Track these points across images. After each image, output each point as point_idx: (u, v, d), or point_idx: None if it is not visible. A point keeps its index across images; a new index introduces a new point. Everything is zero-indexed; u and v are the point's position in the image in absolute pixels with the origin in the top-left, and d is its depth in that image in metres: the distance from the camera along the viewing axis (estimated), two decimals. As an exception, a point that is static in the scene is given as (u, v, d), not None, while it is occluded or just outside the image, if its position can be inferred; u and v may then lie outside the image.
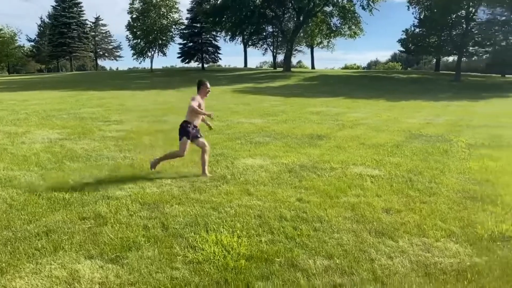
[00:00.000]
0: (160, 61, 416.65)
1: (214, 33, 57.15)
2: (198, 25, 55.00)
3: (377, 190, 5.45)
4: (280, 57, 66.51)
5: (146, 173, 6.14)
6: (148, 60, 54.27)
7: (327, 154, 7.80)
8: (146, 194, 5.09)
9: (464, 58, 49.05)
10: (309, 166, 6.78)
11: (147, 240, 3.75)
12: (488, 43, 44.13)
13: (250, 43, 62.95)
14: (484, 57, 53.93)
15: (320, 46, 57.80)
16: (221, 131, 10.34)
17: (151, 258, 3.41)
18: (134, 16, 50.14)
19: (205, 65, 59.45)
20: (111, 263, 3.32)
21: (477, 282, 3.08)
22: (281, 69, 53.27)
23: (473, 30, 44.15)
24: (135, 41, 51.72)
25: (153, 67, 54.50)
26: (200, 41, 57.06)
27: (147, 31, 49.27)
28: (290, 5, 50.36)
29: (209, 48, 58.63)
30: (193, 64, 60.73)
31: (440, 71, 55.28)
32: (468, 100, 24.40)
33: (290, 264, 3.33)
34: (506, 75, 50.43)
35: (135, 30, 50.15)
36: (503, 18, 44.39)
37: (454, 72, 45.47)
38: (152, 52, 52.91)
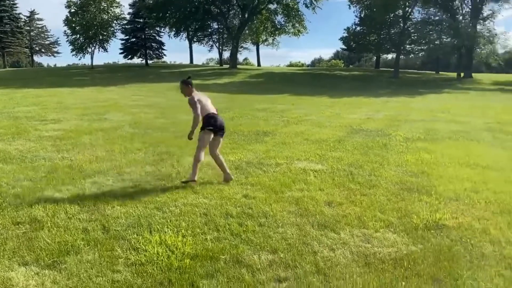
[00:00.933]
0: (101, 57, 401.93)
1: (158, 28, 55.97)
2: (141, 20, 53.67)
3: (320, 184, 5.59)
4: (226, 54, 66.51)
5: (86, 173, 5.91)
6: (88, 56, 52.27)
7: (272, 150, 7.89)
8: (85, 196, 4.90)
9: (402, 56, 51.51)
10: (255, 162, 6.83)
11: (86, 244, 3.61)
12: (423, 42, 46.56)
13: (195, 40, 62.20)
14: (420, 54, 56.83)
15: (265, 43, 58.41)
16: (167, 128, 10.16)
17: (91, 262, 3.29)
18: (73, 10, 48.07)
19: (149, 61, 58.11)
20: (48, 269, 3.17)
21: (413, 269, 3.24)
22: (227, 66, 53.20)
23: (409, 29, 46.42)
24: (73, 37, 49.62)
25: (94, 64, 52.44)
26: (143, 36, 55.71)
27: (87, 26, 47.37)
28: (235, 2, 50.34)
29: (153, 44, 57.39)
30: (137, 60, 59.22)
31: (380, 68, 57.62)
32: (406, 96, 25.62)
33: (235, 261, 3.34)
34: (440, 72, 53.42)
35: (73, 25, 48.05)
36: (437, 18, 47.01)
37: (393, 69, 47.57)
38: (93, 48, 51.03)
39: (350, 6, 49.96)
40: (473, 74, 47.87)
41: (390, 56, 61.59)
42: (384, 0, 41.25)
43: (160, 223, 4.11)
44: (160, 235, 3.79)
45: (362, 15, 48.57)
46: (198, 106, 5.64)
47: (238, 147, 8.11)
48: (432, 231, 4.00)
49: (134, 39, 55.85)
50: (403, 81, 40.00)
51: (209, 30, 59.34)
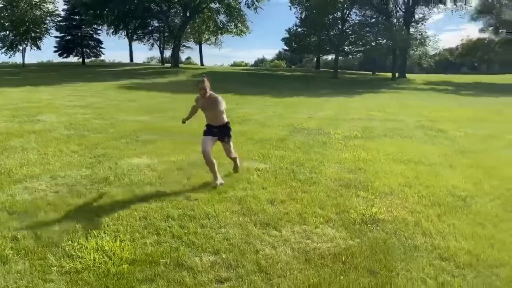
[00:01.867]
0: (34, 56, 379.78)
1: (95, 26, 53.87)
2: (77, 17, 51.39)
3: (263, 182, 5.63)
4: (168, 53, 65.33)
5: (16, 178, 5.55)
6: (19, 54, 49.30)
7: (216, 150, 7.81)
8: (16, 202, 4.59)
9: (341, 57, 53.26)
10: (199, 163, 6.72)
11: (16, 253, 3.38)
12: (360, 43, 48.46)
13: (135, 38, 60.51)
14: (358, 56, 59.14)
15: (208, 42, 58.11)
16: (104, 129, 9.79)
17: (21, 272, 3.09)
18: (1, 5, 45.03)
19: (86, 60, 55.81)
20: (-29, 283, 2.93)
21: (351, 263, 3.34)
22: (169, 64, 52.31)
23: (347, 31, 48.14)
24: (2, 33, 46.52)
25: (26, 62, 49.57)
26: (79, 34, 53.42)
27: (17, 23, 44.61)
28: (176, 0, 49.60)
29: (90, 42, 55.22)
30: (73, 59, 56.69)
31: (321, 69, 59.28)
32: (344, 96, 26.52)
33: (176, 264, 3.28)
34: (377, 73, 55.85)
35: (2, 21, 45.05)
36: (373, 20, 49.14)
37: (332, 70, 49.09)
38: (24, 46, 48.11)
39: (291, 8, 50.95)
40: (407, 75, 50.55)
41: (330, 57, 63.58)
42: (323, 2, 42.45)
43: (97, 228, 3.94)
44: (96, 241, 3.63)
45: (302, 17, 49.68)
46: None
47: (180, 147, 7.98)
48: (368, 225, 4.16)
49: (69, 37, 53.43)
50: (342, 81, 41.36)
51: (150, 28, 57.98)
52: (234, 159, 6.18)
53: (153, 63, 74.12)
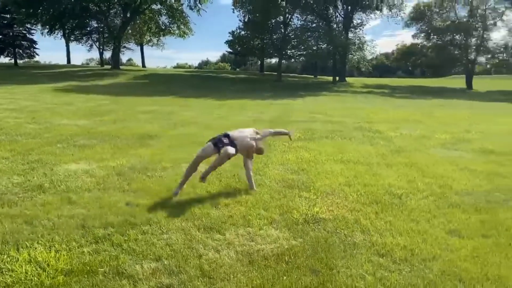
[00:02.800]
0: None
1: (28, 25, 50.99)
2: (8, 16, 48.39)
3: (207, 186, 5.58)
4: (108, 54, 63.14)
5: None
6: None
7: (158, 154, 7.67)
8: None
9: (284, 60, 54.18)
10: (140, 167, 6.57)
11: None
12: (302, 47, 49.49)
13: (72, 38, 57.93)
14: (300, 59, 60.40)
15: (150, 44, 56.87)
16: (39, 134, 9.27)
17: None
18: None
19: (19, 61, 52.69)
20: None
21: (293, 262, 3.39)
22: (109, 66, 50.62)
23: (290, 35, 48.99)
24: None
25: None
26: (11, 33, 50.30)
27: None
28: (116, 0, 48.11)
29: (23, 42, 52.16)
30: (4, 60, 53.31)
31: (265, 72, 59.90)
32: (288, 99, 26.95)
33: (116, 272, 3.16)
34: (318, 76, 57.37)
35: None
36: (314, 25, 50.40)
37: (276, 73, 49.80)
38: None
39: (234, 10, 51.11)
40: (347, 78, 52.35)
41: (273, 60, 64.44)
42: (265, 6, 42.96)
43: (30, 238, 3.71)
44: (29, 252, 3.43)
45: (246, 20, 49.96)
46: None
47: (120, 151, 7.73)
48: (310, 224, 4.25)
49: (0, 36, 50.17)
50: (285, 84, 42.06)
51: (88, 29, 55.75)
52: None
53: (92, 65, 71.35)
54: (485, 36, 51.17)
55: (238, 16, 56.71)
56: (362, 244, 3.80)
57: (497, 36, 72.73)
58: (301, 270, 3.26)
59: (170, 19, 50.26)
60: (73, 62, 61.40)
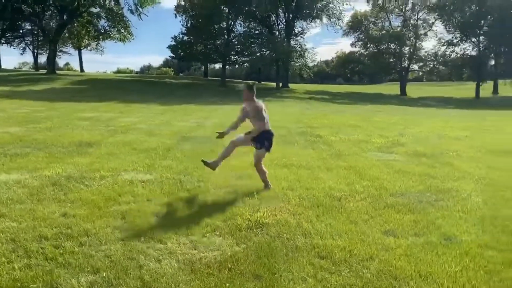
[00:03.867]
0: None
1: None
2: None
3: (148, 194, 5.46)
4: (43, 58, 60.15)
5: None
6: None
7: (97, 162, 7.40)
8: None
9: (228, 66, 54.31)
10: (77, 176, 6.29)
11: None
12: (246, 53, 49.94)
13: (3, 41, 54.51)
14: (244, 65, 60.88)
15: (89, 48, 54.85)
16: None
17: None
18: None
19: None
20: None
21: (236, 269, 3.39)
22: (44, 71, 48.16)
23: (233, 41, 49.26)
24: None
25: None
26: None
27: None
28: (51, 2, 45.94)
29: None
30: None
31: (209, 77, 59.75)
32: (232, 104, 26.96)
33: (50, 288, 3.00)
34: (262, 82, 58.03)
35: None
36: (257, 32, 51.07)
37: (220, 78, 49.81)
38: None
39: (176, 15, 50.58)
40: (290, 84, 53.42)
41: (217, 65, 64.49)
42: (208, 12, 42.91)
43: (-48, 257, 3.44)
44: (-49, 272, 3.17)
45: (188, 25, 49.59)
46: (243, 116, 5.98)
47: (56, 160, 7.36)
48: (254, 230, 4.27)
49: None
50: (230, 89, 42.13)
51: (21, 31, 52.75)
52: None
53: (25, 69, 67.51)
54: (417, 45, 54.37)
55: (180, 21, 56.23)
56: (303, 247, 3.87)
57: (428, 45, 77.73)
58: (244, 276, 3.27)
59: (110, 23, 48.73)
60: (4, 66, 57.74)
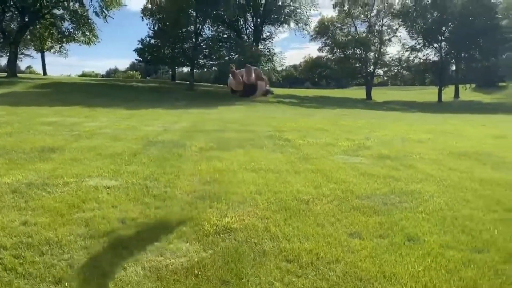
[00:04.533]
0: None
1: None
2: None
3: (113, 201, 5.34)
4: (3, 61, 58.02)
5: None
6: None
7: (60, 168, 7.19)
8: None
9: (196, 70, 54.02)
10: (38, 183, 6.09)
11: None
12: (214, 57, 49.82)
13: (-41, 42, 52.25)
14: (213, 69, 60.70)
15: (52, 51, 53.27)
16: None
17: None
18: None
19: None
20: None
21: (203, 275, 3.37)
22: (4, 74, 46.43)
23: (201, 44, 49.05)
24: None
25: None
26: None
27: None
28: (12, 3, 44.42)
29: None
30: None
31: (177, 81, 59.22)
32: (201, 108, 26.91)
33: (8, 301, 2.89)
34: (231, 86, 58.02)
35: None
36: (225, 36, 51.08)
37: (188, 82, 49.47)
38: None
39: (143, 18, 49.92)
40: (258, 88, 53.53)
41: (186, 69, 63.98)
42: (175, 15, 42.58)
43: None
44: None
45: (155, 28, 49.03)
46: None
47: (16, 167, 7.10)
48: (221, 235, 4.25)
49: None
50: (198, 93, 41.96)
51: (-21, 33, 50.66)
52: None
53: (-16, 72, 64.90)
54: (382, 50, 55.85)
55: (147, 24, 55.55)
56: (271, 251, 3.89)
57: (392, 50, 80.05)
58: (211, 282, 3.25)
59: (74, 25, 47.54)
60: (-40, 68, 55.35)
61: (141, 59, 53.78)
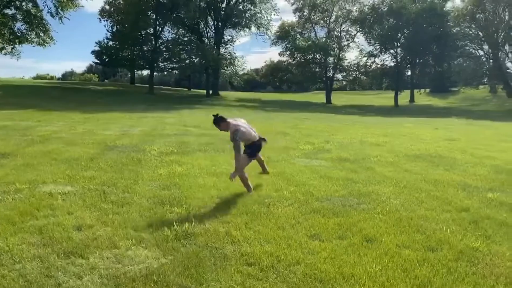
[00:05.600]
0: None
1: None
2: None
3: (68, 207, 5.16)
4: (-51, 62, 54.97)
5: None
6: None
7: (12, 174, 6.88)
8: None
9: (156, 73, 53.30)
10: (-14, 190, 5.80)
11: None
12: (174, 60, 49.36)
13: None
14: (174, 72, 60.07)
15: (3, 52, 50.88)
16: None
17: None
18: None
19: None
20: None
21: (163, 281, 3.31)
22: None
23: (161, 47, 48.47)
24: None
25: None
26: None
27: None
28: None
29: None
30: None
31: (136, 84, 58.18)
32: (161, 112, 26.52)
33: (-48, 316, 2.72)
34: (192, 89, 57.66)
35: None
36: (186, 38, 50.68)
37: (148, 85, 48.68)
38: None
39: (100, 20, 48.76)
40: (220, 92, 53.60)
41: (145, 72, 63.01)
42: (134, 17, 41.86)
43: None
44: None
45: (114, 30, 48.00)
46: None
47: (-37, 174, 6.74)
48: (182, 240, 4.19)
49: None
50: (158, 97, 41.36)
51: None
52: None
53: None
54: (341, 55, 57.12)
55: (105, 26, 54.25)
56: (232, 255, 3.87)
57: (351, 56, 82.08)
58: (171, 288, 3.20)
59: (27, 26, 45.64)
60: None
61: (99, 61, 52.49)
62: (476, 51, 52.33)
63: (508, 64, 49.27)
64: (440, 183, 7.19)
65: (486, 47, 49.89)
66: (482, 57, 51.55)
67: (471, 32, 50.47)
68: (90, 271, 3.43)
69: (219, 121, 6.25)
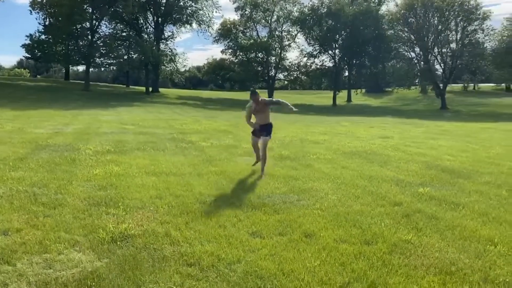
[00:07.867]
0: None
1: None
2: None
3: (-7, 211, 4.80)
4: None
5: None
6: None
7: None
8: None
9: (93, 69, 51.14)
10: None
11: None
12: (112, 56, 47.59)
13: None
14: (111, 68, 57.96)
15: None
16: None
17: None
18: None
19: None
20: None
21: (98, 285, 3.16)
22: None
23: (98, 42, 46.53)
24: None
25: None
26: None
27: None
28: None
29: None
30: None
31: (71, 80, 55.52)
32: (97, 109, 25.47)
33: None
34: (131, 86, 55.96)
35: None
36: (124, 34, 49.06)
37: (84, 82, 46.58)
38: None
39: (31, 12, 45.96)
40: (160, 89, 52.48)
41: (81, 68, 60.26)
42: (68, 10, 39.85)
43: None
44: None
45: (46, 23, 45.41)
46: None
47: None
48: (118, 242, 4.04)
49: None
50: (94, 93, 39.74)
51: None
52: (263, 159, 7.66)
53: None
54: (282, 55, 58.01)
55: (37, 19, 51.26)
56: (171, 256, 3.78)
57: (292, 55, 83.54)
58: (106, 293, 3.06)
59: None
60: None
61: (30, 55, 49.40)
62: (408, 53, 55.22)
63: (437, 66, 52.48)
64: (375, 179, 7.50)
65: (417, 49, 52.75)
66: (414, 59, 54.49)
67: (404, 35, 53.15)
68: (17, 278, 3.21)
69: (254, 93, 7.79)
